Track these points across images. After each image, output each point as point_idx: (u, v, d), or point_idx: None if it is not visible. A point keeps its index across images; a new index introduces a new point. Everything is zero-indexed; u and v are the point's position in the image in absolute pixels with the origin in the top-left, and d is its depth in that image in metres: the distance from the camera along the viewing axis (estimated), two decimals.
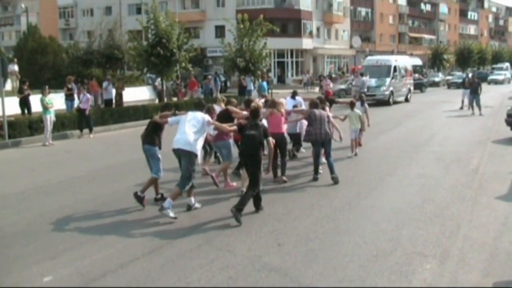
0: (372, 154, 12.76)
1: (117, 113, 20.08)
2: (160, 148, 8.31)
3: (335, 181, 9.48)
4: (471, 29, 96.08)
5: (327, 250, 6.18)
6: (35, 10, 59.76)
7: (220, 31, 45.65)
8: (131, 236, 6.84)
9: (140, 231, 7.04)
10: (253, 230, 6.93)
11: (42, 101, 15.34)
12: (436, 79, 49.93)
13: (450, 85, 45.60)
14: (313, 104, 10.16)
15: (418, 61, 49.97)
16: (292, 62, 52.23)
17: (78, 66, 29.67)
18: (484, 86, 27.46)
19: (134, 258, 6.00)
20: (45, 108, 15.30)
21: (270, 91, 29.23)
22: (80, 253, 6.23)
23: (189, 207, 7.91)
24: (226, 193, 8.96)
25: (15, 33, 70.00)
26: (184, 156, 7.58)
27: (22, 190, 9.64)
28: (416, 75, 40.13)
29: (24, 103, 18.45)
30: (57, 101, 17.84)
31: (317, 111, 9.87)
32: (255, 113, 7.81)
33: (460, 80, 35.70)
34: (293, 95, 13.09)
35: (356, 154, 12.33)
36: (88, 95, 17.67)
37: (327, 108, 11.31)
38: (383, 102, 26.96)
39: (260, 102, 9.80)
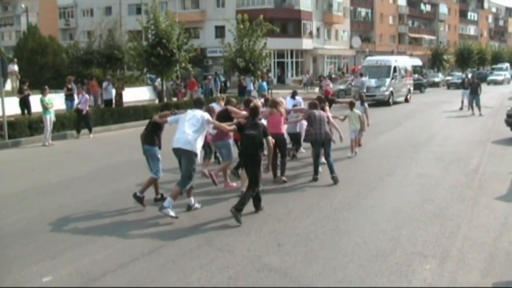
0: (372, 154, 12.76)
1: (117, 113, 20.09)
2: (160, 148, 8.30)
3: (335, 180, 9.48)
4: (471, 30, 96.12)
5: (327, 250, 6.18)
6: (35, 10, 59.77)
7: (220, 31, 45.67)
8: (131, 236, 6.84)
9: (140, 231, 7.03)
10: (253, 230, 6.93)
11: (42, 101, 15.34)
12: (436, 80, 49.98)
13: (450, 85, 45.65)
14: (313, 105, 10.16)
15: (418, 62, 50.04)
16: (292, 62, 52.26)
17: (78, 66, 29.67)
18: (484, 86, 27.46)
19: (134, 258, 6.00)
20: (45, 108, 15.30)
21: (270, 91, 29.25)
22: (79, 253, 6.23)
23: (189, 207, 7.91)
24: (226, 194, 8.96)
25: (15, 33, 70.03)
26: (184, 156, 7.58)
27: (22, 190, 9.64)
28: (416, 76, 40.15)
29: (24, 103, 18.44)
30: (57, 101, 17.84)
31: (316, 112, 9.88)
32: (254, 112, 7.80)
33: (460, 81, 35.71)
34: (293, 95, 13.12)
35: (355, 154, 12.34)
36: (87, 96, 17.68)
37: (327, 108, 11.30)
38: (383, 103, 26.97)
39: (259, 102, 9.78)
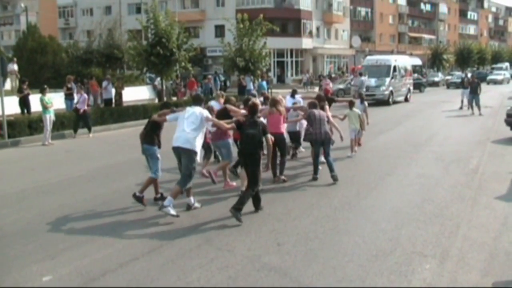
0: (372, 154, 12.76)
1: (116, 113, 20.09)
2: (159, 147, 8.29)
3: (335, 179, 9.48)
4: (471, 29, 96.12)
5: (327, 249, 6.18)
6: (34, 10, 59.76)
7: (219, 30, 45.66)
8: (130, 236, 6.83)
9: (139, 230, 7.03)
10: (253, 229, 6.93)
11: (41, 100, 15.34)
12: (436, 79, 50.00)
13: (450, 85, 45.65)
14: (312, 104, 10.15)
15: (417, 61, 50.00)
16: (291, 61, 52.26)
17: (78, 66, 29.66)
18: (484, 86, 27.45)
19: (133, 258, 6.00)
20: (45, 107, 15.30)
21: (269, 90, 29.23)
22: (79, 253, 6.23)
23: (189, 207, 7.91)
24: (225, 193, 8.96)
25: (15, 33, 70.04)
26: (184, 154, 7.57)
27: (21, 189, 9.64)
28: (416, 75, 40.16)
29: (24, 103, 18.43)
30: (56, 100, 17.85)
31: (316, 111, 9.88)
32: (253, 110, 7.78)
33: (459, 80, 35.71)
34: (293, 93, 13.12)
35: (355, 153, 12.35)
36: (85, 95, 17.67)
37: (327, 107, 11.29)
38: (383, 102, 26.98)
39: (258, 100, 9.77)
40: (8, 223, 7.56)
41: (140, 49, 22.27)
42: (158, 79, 26.07)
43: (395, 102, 28.30)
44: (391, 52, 51.77)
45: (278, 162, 9.81)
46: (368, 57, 34.30)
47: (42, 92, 15.58)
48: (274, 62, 48.49)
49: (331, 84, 33.31)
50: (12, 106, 17.76)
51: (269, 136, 7.72)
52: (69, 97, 19.95)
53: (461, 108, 23.91)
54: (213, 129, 9.07)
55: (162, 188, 8.57)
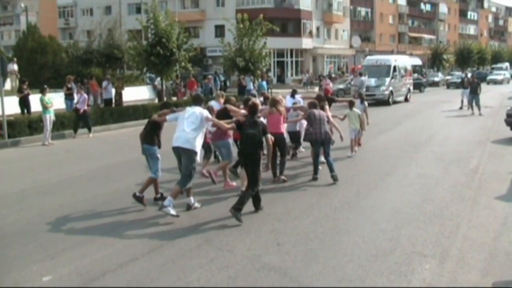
0: (372, 154, 12.76)
1: (116, 113, 20.09)
2: (159, 147, 8.29)
3: (335, 178, 9.48)
4: (471, 29, 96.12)
5: (327, 249, 6.18)
6: (34, 10, 59.78)
7: (219, 30, 45.66)
8: (130, 236, 6.83)
9: (139, 230, 7.03)
10: (253, 229, 6.93)
11: (41, 100, 15.34)
12: (436, 79, 50.00)
13: (449, 85, 45.65)
14: (312, 105, 10.15)
15: (417, 61, 50.01)
16: (291, 61, 52.26)
17: (78, 66, 29.66)
18: (484, 86, 27.45)
19: (133, 258, 6.00)
20: (45, 107, 15.30)
21: (269, 90, 29.24)
22: (79, 253, 6.23)
23: (189, 207, 7.91)
24: (225, 193, 8.96)
25: (15, 33, 70.06)
26: (184, 154, 7.56)
27: (21, 189, 9.64)
28: (416, 75, 40.17)
29: (24, 103, 18.43)
30: (56, 100, 17.85)
31: (316, 111, 9.88)
32: (253, 110, 7.78)
33: (459, 80, 35.72)
34: (293, 93, 13.12)
35: (355, 153, 12.35)
36: (85, 96, 17.68)
37: (327, 107, 11.29)
38: (383, 102, 26.98)
39: (258, 100, 9.77)
40: (8, 223, 7.56)
41: (140, 49, 22.27)
42: (158, 79, 26.07)
43: (395, 102, 28.30)
44: (391, 52, 51.76)
45: (278, 162, 9.81)
46: (368, 57, 34.29)
47: (42, 92, 15.58)
48: (274, 62, 48.48)
49: (331, 84, 33.31)
50: (12, 106, 17.77)
51: (269, 136, 7.72)
52: (69, 97, 19.96)
53: (461, 108, 23.92)
54: (213, 129, 9.07)
55: (162, 188, 8.56)
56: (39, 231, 7.13)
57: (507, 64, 62.26)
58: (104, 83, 23.16)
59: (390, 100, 27.66)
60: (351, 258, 5.87)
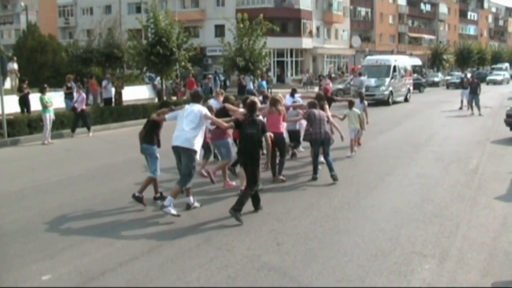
0: (372, 154, 12.76)
1: (116, 112, 20.08)
2: (159, 146, 8.27)
3: (334, 178, 9.48)
4: (471, 29, 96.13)
5: (326, 249, 6.18)
6: (34, 9, 59.83)
7: (219, 30, 45.65)
8: (130, 235, 6.83)
9: (139, 230, 7.03)
10: (252, 229, 6.93)
11: (41, 99, 15.33)
12: (436, 79, 50.01)
13: (449, 85, 45.68)
14: (312, 104, 10.15)
15: (417, 61, 50.05)
16: (291, 61, 52.25)
17: (78, 65, 29.65)
18: (483, 86, 27.48)
19: (133, 257, 6.00)
20: (45, 106, 15.29)
21: (269, 90, 29.23)
22: (79, 252, 6.22)
23: (188, 206, 7.90)
24: (225, 192, 8.95)
25: (15, 32, 70.14)
26: (184, 153, 7.55)
27: (21, 188, 9.63)
28: (415, 75, 40.17)
29: (24, 102, 18.43)
30: (56, 99, 17.86)
31: (316, 111, 9.87)
32: (251, 108, 7.75)
33: (459, 80, 35.73)
34: (292, 92, 13.13)
35: (355, 152, 12.35)
36: (84, 95, 17.67)
37: (326, 107, 11.29)
38: (383, 102, 26.99)
39: (257, 99, 9.76)
40: (7, 222, 7.55)
41: (140, 49, 22.25)
42: (158, 78, 26.06)
43: (394, 102, 28.31)
44: (391, 52, 51.77)
45: (277, 162, 9.81)
46: (368, 57, 34.30)
47: (42, 91, 15.57)
48: (274, 62, 48.46)
49: (331, 84, 33.32)
50: (12, 105, 17.77)
51: (268, 134, 7.69)
52: (69, 96, 19.96)
53: (461, 108, 23.93)
54: (213, 127, 9.06)
55: (161, 188, 8.56)
56: (39, 230, 7.12)
57: (507, 64, 62.31)
58: (104, 83, 23.15)
59: (390, 100, 27.67)
60: (350, 258, 5.87)
